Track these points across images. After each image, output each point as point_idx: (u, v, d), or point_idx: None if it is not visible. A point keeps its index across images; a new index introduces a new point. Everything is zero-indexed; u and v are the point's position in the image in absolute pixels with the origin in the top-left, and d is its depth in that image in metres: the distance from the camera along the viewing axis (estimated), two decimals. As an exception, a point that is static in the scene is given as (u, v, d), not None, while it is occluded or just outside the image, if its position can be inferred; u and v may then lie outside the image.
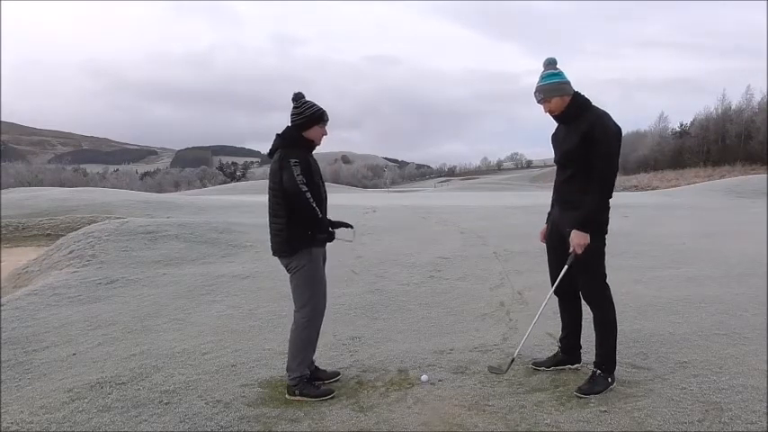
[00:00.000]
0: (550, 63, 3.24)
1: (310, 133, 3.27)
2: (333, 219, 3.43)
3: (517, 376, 3.51)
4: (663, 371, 3.49)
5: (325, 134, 3.36)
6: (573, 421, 2.88)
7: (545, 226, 3.61)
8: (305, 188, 3.12)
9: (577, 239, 3.13)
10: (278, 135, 3.30)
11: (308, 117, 3.24)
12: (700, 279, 6.19)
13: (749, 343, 3.97)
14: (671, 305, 5.06)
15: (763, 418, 2.84)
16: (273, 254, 3.36)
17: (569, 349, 3.60)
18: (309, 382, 3.34)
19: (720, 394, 3.12)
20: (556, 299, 3.61)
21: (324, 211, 3.32)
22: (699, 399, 3.07)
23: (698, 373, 3.44)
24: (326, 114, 3.30)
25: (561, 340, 3.65)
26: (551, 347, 4.00)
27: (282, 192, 3.17)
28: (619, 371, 3.36)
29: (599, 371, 3.25)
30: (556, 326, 4.51)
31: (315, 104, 3.28)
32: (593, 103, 3.24)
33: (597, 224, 3.21)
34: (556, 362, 3.61)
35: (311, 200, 3.15)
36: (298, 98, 3.27)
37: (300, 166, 3.13)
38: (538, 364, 3.63)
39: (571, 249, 3.16)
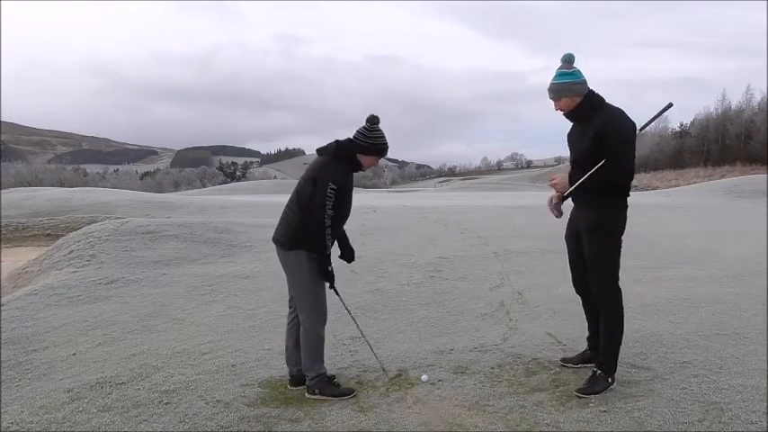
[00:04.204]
0: (567, 60, 3.20)
1: (365, 159, 3.27)
2: (346, 243, 3.52)
3: (517, 376, 3.51)
4: (663, 371, 3.49)
5: (375, 165, 3.39)
6: (573, 421, 2.88)
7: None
8: (328, 222, 3.13)
9: (557, 181, 3.30)
10: (337, 142, 3.27)
11: (372, 146, 3.23)
12: (700, 279, 6.19)
13: (749, 343, 3.97)
14: (671, 305, 5.06)
15: (763, 418, 2.84)
16: (273, 239, 3.37)
17: (597, 347, 3.52)
18: (329, 381, 3.36)
19: (720, 394, 3.12)
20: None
21: (340, 228, 3.36)
22: (699, 399, 3.08)
23: (698, 373, 3.44)
24: (387, 151, 3.32)
25: (589, 339, 3.63)
26: (551, 347, 4.01)
27: (309, 195, 3.18)
28: (619, 371, 3.35)
29: (599, 371, 3.25)
30: (556, 326, 4.53)
31: (384, 137, 3.27)
32: (606, 102, 3.20)
33: (612, 224, 3.21)
34: (584, 359, 3.60)
35: (328, 237, 3.15)
36: (373, 122, 3.23)
37: (336, 195, 3.12)
38: (566, 361, 3.66)
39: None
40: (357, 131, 3.25)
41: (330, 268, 3.24)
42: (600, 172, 3.07)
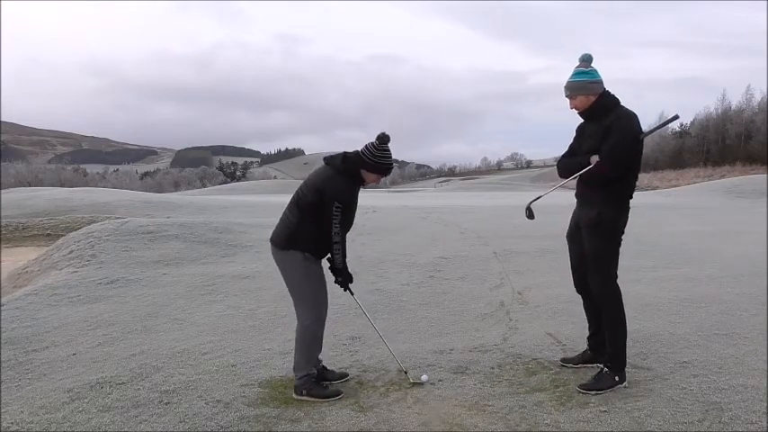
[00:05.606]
0: (584, 60, 3.24)
1: (368, 176, 3.28)
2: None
3: (517, 376, 3.51)
4: (663, 371, 3.49)
5: (377, 182, 3.42)
6: (573, 421, 2.88)
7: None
8: (338, 239, 3.19)
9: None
10: (344, 156, 3.27)
11: (377, 164, 3.23)
12: (700, 279, 6.19)
13: (749, 343, 3.97)
14: (671, 305, 5.06)
15: (763, 418, 2.84)
16: (270, 239, 3.39)
17: (596, 346, 3.55)
18: (317, 382, 3.35)
19: (720, 394, 3.12)
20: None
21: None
22: (699, 399, 3.08)
23: (698, 373, 3.44)
24: (391, 171, 3.36)
25: (588, 339, 3.64)
26: (551, 347, 4.01)
27: (310, 201, 3.21)
28: (619, 371, 3.36)
29: (605, 368, 3.27)
30: (556, 326, 4.53)
31: (390, 157, 3.28)
32: (621, 104, 3.23)
33: (612, 223, 3.23)
34: (584, 359, 3.60)
35: (338, 253, 3.22)
36: (383, 140, 3.23)
37: (342, 212, 3.16)
38: (566, 361, 3.65)
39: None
40: (365, 147, 3.24)
41: (341, 278, 3.31)
42: (592, 168, 3.16)
